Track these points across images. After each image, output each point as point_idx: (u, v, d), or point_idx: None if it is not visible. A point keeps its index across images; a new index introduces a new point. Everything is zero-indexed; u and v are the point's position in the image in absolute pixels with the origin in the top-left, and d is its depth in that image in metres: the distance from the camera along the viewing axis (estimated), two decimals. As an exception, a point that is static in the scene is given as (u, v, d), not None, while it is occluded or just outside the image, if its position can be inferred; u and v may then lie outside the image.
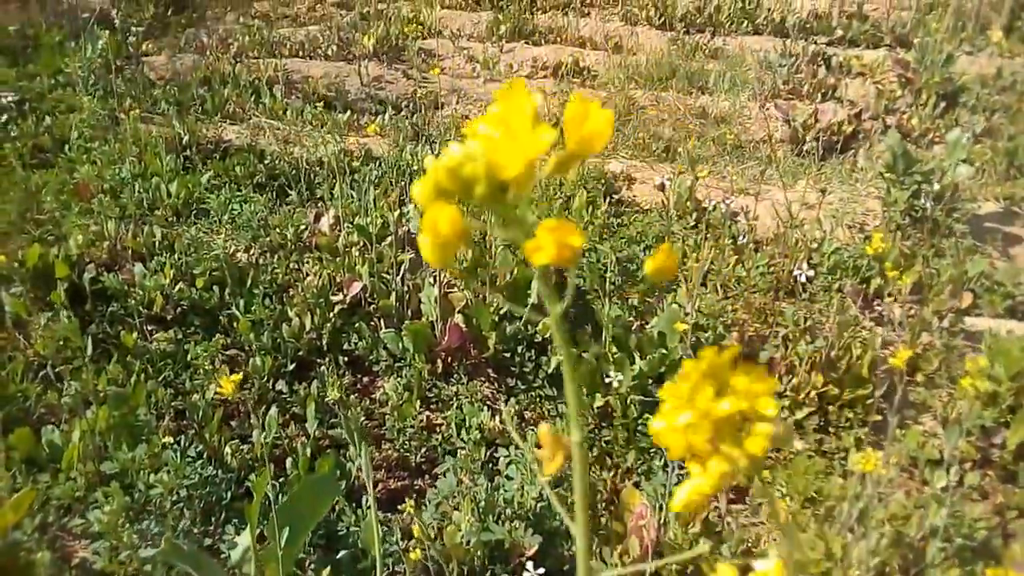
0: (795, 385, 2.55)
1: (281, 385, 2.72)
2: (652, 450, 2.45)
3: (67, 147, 4.01)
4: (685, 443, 0.45)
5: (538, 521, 1.98)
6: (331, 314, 2.85)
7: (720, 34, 6.03)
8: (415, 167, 3.69)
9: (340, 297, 2.88)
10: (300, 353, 2.83)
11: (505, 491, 2.01)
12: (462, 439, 2.44)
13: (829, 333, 2.56)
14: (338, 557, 1.77)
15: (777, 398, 2.54)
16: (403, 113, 4.72)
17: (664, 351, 2.53)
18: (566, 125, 0.48)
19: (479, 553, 1.88)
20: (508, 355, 2.72)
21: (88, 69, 4.70)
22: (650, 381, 2.55)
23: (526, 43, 5.86)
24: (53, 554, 1.83)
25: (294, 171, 3.79)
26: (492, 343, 2.69)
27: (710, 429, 0.44)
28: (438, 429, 2.62)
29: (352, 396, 2.72)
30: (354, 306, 2.92)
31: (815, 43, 5.72)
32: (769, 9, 6.21)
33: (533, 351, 2.71)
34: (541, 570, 1.60)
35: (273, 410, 2.54)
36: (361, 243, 3.02)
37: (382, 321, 2.84)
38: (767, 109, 4.50)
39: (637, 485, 2.27)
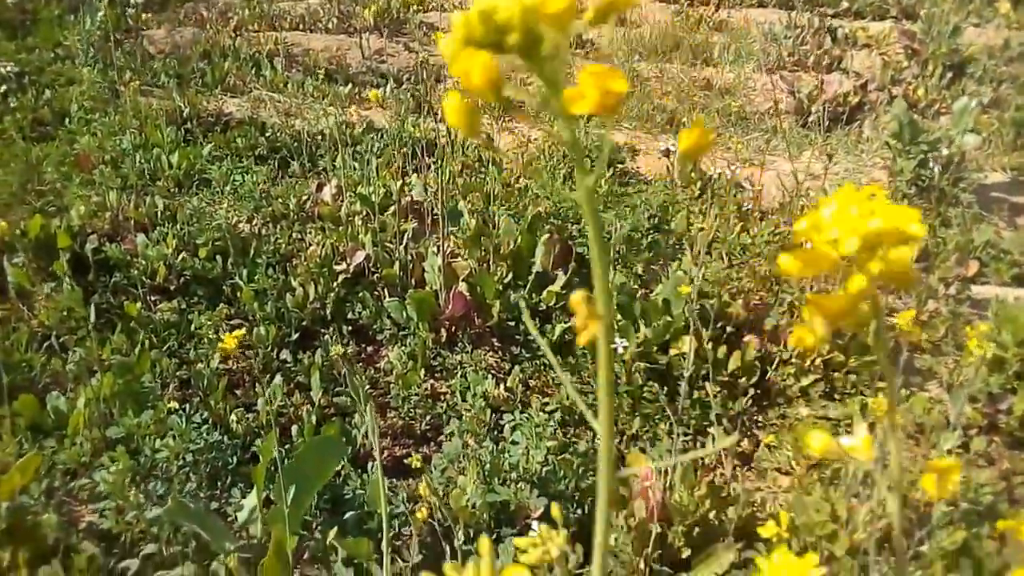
0: (801, 352, 2.54)
1: (285, 354, 2.71)
2: (656, 416, 2.44)
3: (67, 120, 3.98)
4: (833, 257, 0.46)
5: (544, 484, 1.98)
6: (335, 283, 2.84)
7: (724, 6, 5.97)
8: (418, 138, 3.67)
9: (343, 266, 2.87)
10: (304, 323, 2.82)
11: (510, 455, 2.01)
12: (467, 406, 2.44)
13: (835, 300, 2.55)
14: (344, 519, 1.77)
15: (782, 365, 2.52)
16: (405, 86, 4.69)
17: (669, 318, 2.52)
18: None
19: (485, 515, 1.88)
20: (512, 323, 2.71)
21: (87, 42, 4.66)
22: (655, 348, 2.54)
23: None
24: (60, 518, 1.84)
25: (296, 143, 3.77)
26: (496, 311, 2.68)
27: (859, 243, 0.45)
28: (443, 397, 2.61)
29: (357, 365, 2.71)
30: (358, 275, 2.90)
31: (820, 15, 5.66)
32: (774, -19, 6.14)
33: (537, 319, 2.70)
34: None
35: (278, 378, 2.54)
36: (364, 212, 3.00)
37: (386, 290, 2.83)
38: (774, 79, 4.46)
39: (643, 451, 2.27)
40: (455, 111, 0.43)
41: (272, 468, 1.75)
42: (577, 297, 0.48)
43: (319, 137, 3.86)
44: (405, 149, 3.26)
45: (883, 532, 1.95)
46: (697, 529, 1.90)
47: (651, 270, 2.80)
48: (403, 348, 2.69)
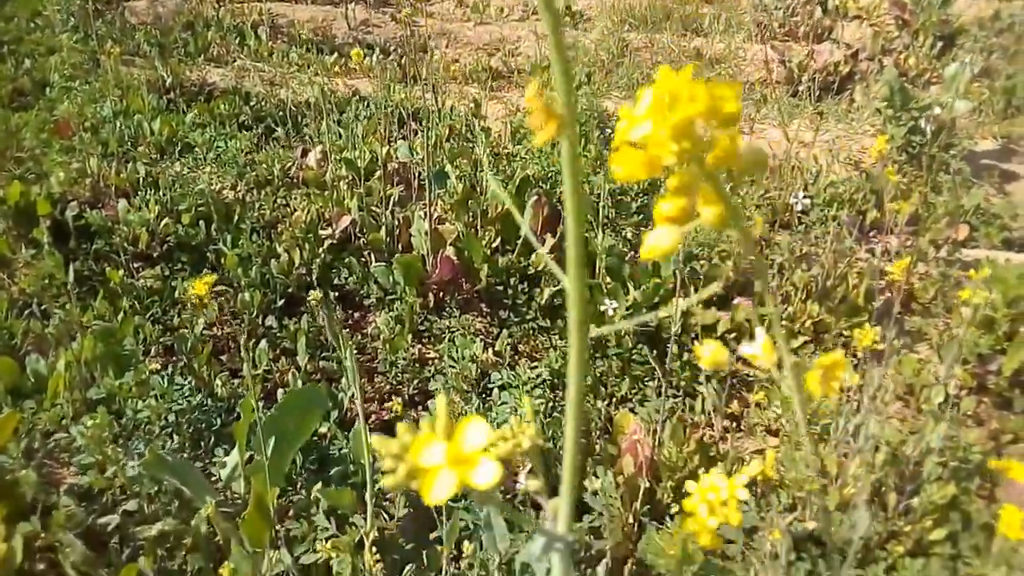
0: (790, 314, 2.53)
1: (271, 321, 2.68)
2: (645, 379, 2.43)
3: (47, 89, 3.91)
4: (643, 160, 0.42)
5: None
6: (320, 249, 2.80)
7: (715, -22, 5.91)
8: (404, 106, 3.62)
9: (329, 232, 2.83)
10: (289, 289, 2.78)
11: (497, 414, 1.99)
12: (455, 370, 2.41)
13: (825, 261, 2.53)
14: (329, 474, 1.74)
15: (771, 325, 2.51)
16: (391, 57, 4.63)
17: (658, 280, 2.50)
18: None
19: (472, 473, 1.86)
20: (501, 288, 2.68)
21: (67, 12, 4.57)
22: (644, 311, 2.52)
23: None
24: (39, 477, 1.80)
25: (280, 112, 3.72)
26: (484, 275, 2.65)
27: (671, 136, 0.41)
28: (430, 362, 2.59)
29: (344, 331, 2.68)
30: (344, 241, 2.87)
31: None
32: (765, -48, 6.08)
33: (526, 283, 2.67)
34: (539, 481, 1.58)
35: (263, 344, 2.51)
36: (350, 177, 2.96)
37: (372, 255, 2.79)
38: (765, 49, 4.43)
39: (631, 411, 2.25)
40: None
41: (254, 425, 1.72)
42: (532, 91, 0.44)
43: (304, 106, 3.80)
44: (391, 117, 3.21)
45: (873, 487, 1.95)
46: (686, 485, 1.88)
47: (640, 234, 2.77)
48: (390, 313, 2.66)
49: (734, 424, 2.31)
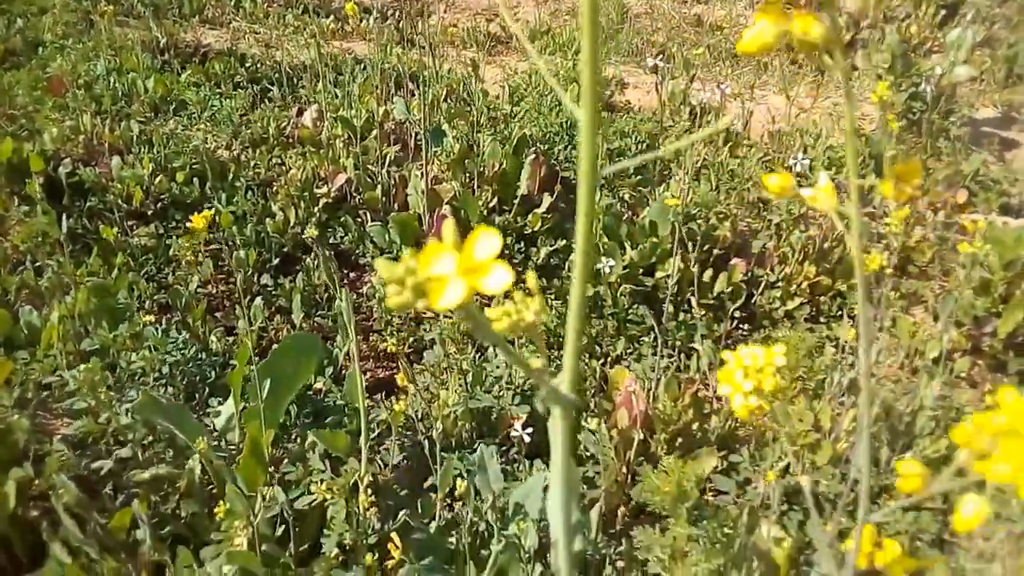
0: (787, 275, 2.52)
1: (266, 279, 2.67)
2: (641, 338, 2.42)
3: (40, 49, 3.86)
4: None
5: (527, 396, 1.96)
6: (316, 208, 2.78)
7: (716, -54, 5.84)
8: (402, 69, 3.58)
9: (325, 190, 2.81)
10: (285, 248, 2.77)
11: (494, 368, 1.99)
12: (451, 328, 2.41)
13: (823, 223, 2.52)
14: (325, 422, 1.74)
15: (769, 288, 2.50)
16: (389, 21, 4.57)
17: (655, 239, 2.49)
18: None
19: (467, 425, 1.86)
20: (497, 247, 2.66)
21: (60, -29, 4.50)
22: (641, 271, 2.51)
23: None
24: (33, 428, 1.80)
25: (276, 74, 3.68)
26: (480, 235, 2.64)
27: None
28: (426, 321, 2.58)
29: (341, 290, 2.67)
30: (339, 200, 2.85)
31: (814, -45, 5.56)
32: (767, -80, 6.02)
33: (523, 243, 2.66)
34: (529, 429, 1.58)
35: (258, 301, 2.50)
36: (345, 136, 2.93)
37: (368, 214, 2.78)
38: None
39: (627, 368, 2.25)
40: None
41: (249, 375, 1.71)
42: None
43: (300, 69, 3.76)
44: (387, 77, 3.17)
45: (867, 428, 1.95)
46: (680, 438, 1.88)
47: (639, 195, 2.75)
48: (386, 272, 2.65)
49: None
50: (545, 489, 1.35)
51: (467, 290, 0.38)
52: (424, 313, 2.65)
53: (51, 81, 3.30)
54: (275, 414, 1.54)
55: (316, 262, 2.73)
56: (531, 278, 0.51)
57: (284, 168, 2.96)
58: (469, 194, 2.66)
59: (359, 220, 2.78)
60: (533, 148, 2.74)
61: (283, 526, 1.50)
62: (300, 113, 3.15)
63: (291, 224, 2.76)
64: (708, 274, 2.49)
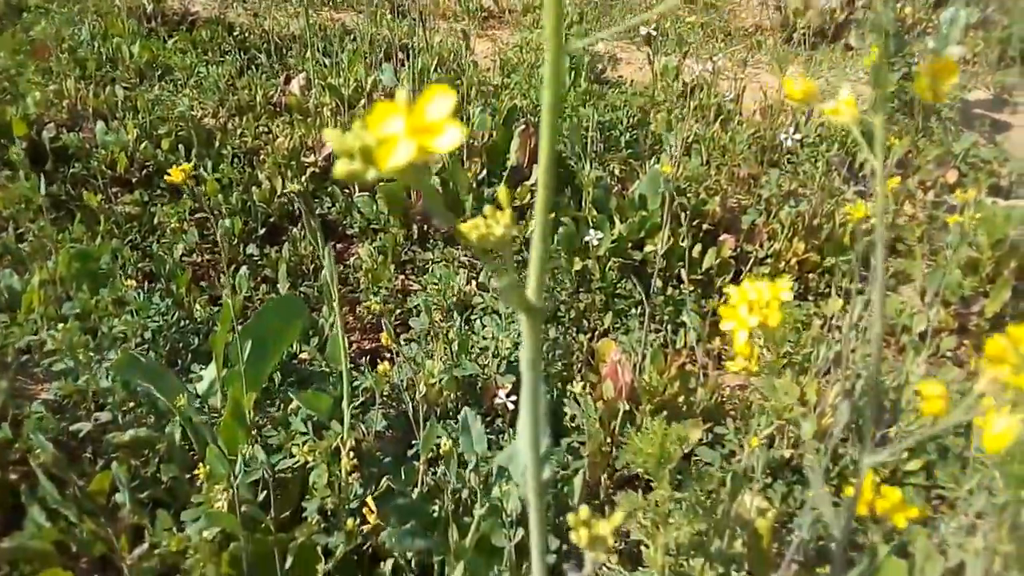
0: (776, 251, 2.51)
1: (252, 249, 2.64)
2: (629, 312, 2.41)
3: (23, 13, 3.79)
4: None
5: (513, 366, 1.95)
6: (303, 177, 2.75)
7: (712, -76, 5.79)
8: (392, 40, 3.54)
9: (312, 160, 2.78)
10: (271, 218, 2.74)
11: (479, 337, 1.97)
12: (437, 300, 2.39)
13: (813, 198, 2.52)
14: (308, 389, 1.72)
15: (757, 264, 2.48)
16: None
17: (644, 213, 2.48)
18: None
19: (452, 395, 1.85)
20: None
21: (44, -65, 4.41)
22: (629, 245, 2.50)
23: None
24: (12, 392, 1.78)
25: (264, 43, 3.62)
26: (469, 207, 2.62)
27: None
28: (413, 293, 2.57)
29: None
30: (327, 169, 2.81)
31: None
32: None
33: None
34: (514, 397, 1.57)
35: (244, 270, 2.47)
36: (333, 104, 2.89)
37: (355, 185, 2.75)
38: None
39: (615, 340, 2.24)
40: None
41: (232, 341, 1.69)
42: None
43: (289, 39, 3.71)
44: (377, 48, 3.13)
45: (850, 417, 1.95)
46: (665, 411, 1.88)
47: (629, 168, 2.74)
48: (373, 244, 2.63)
49: (716, 358, 2.30)
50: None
51: (417, 150, 0.36)
52: (410, 284, 2.64)
53: (35, 45, 3.24)
54: (257, 377, 1.52)
55: (303, 232, 2.71)
56: (502, 192, 0.49)
57: (271, 136, 2.92)
58: (458, 165, 2.64)
59: (346, 191, 2.75)
60: (523, 119, 2.71)
61: (264, 491, 1.49)
62: (288, 81, 3.11)
63: (277, 193, 2.73)
64: (697, 249, 2.48)
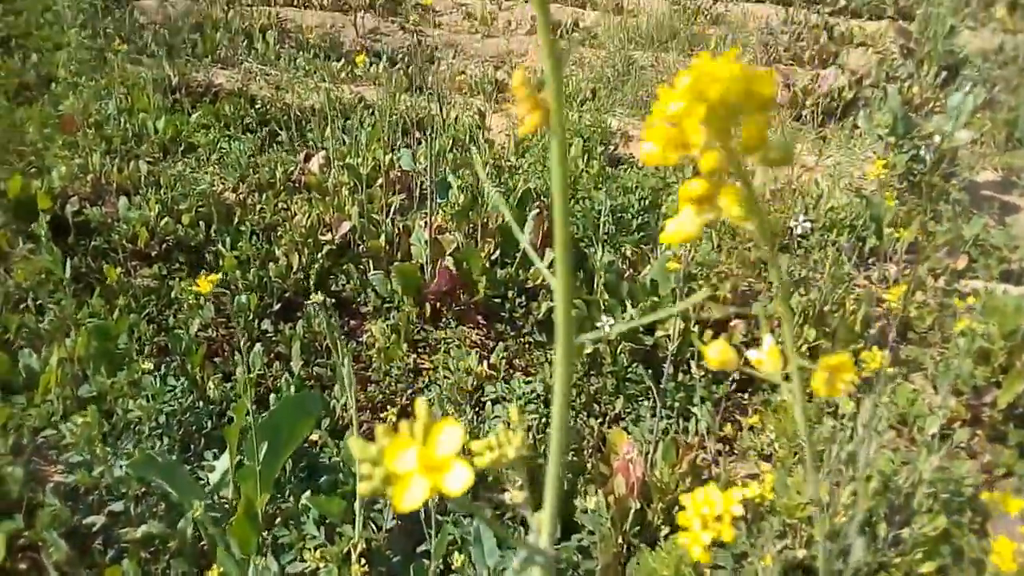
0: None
1: (266, 324, 2.67)
2: (640, 398, 2.42)
3: (53, 84, 3.91)
4: (674, 136, 0.42)
5: (522, 459, 1.94)
6: (319, 254, 2.79)
7: (723, 0, 5.95)
8: (409, 115, 3.62)
9: (329, 237, 2.82)
10: (287, 293, 2.78)
11: (490, 428, 1.98)
12: (449, 381, 2.40)
13: (823, 286, 2.53)
14: (319, 482, 1.73)
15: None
16: (398, 66, 4.64)
17: (656, 299, 2.50)
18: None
19: (463, 487, 1.85)
20: (498, 300, 2.67)
21: (76, 8, 4.58)
22: (640, 329, 2.52)
23: (525, 1, 5.77)
24: (26, 473, 1.79)
25: (285, 117, 3.72)
26: (482, 287, 2.65)
27: (703, 113, 0.41)
28: (425, 373, 2.58)
29: (341, 338, 2.67)
30: (343, 247, 2.86)
31: (818, 12, 5.65)
32: (773, -24, 6.12)
33: (524, 297, 2.67)
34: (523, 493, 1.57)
35: (258, 347, 2.50)
36: (351, 183, 2.95)
37: (371, 263, 2.79)
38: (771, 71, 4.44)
39: (625, 430, 2.24)
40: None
41: (246, 430, 1.71)
42: (518, 78, 0.44)
43: (309, 111, 3.81)
44: (395, 124, 3.21)
45: (864, 517, 1.94)
46: (677, 508, 1.87)
47: (640, 252, 2.77)
48: (386, 322, 2.65)
49: (727, 447, 2.30)
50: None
51: (428, 490, 0.39)
52: (422, 363, 2.65)
53: (63, 119, 3.34)
54: (270, 474, 1.53)
55: (317, 309, 2.74)
56: (513, 412, 0.51)
57: (289, 214, 2.98)
58: (472, 246, 2.68)
59: (361, 268, 2.79)
60: (537, 203, 2.76)
61: (274, 590, 1.49)
62: (308, 159, 3.18)
63: (294, 269, 2.77)
64: (708, 335, 2.49)
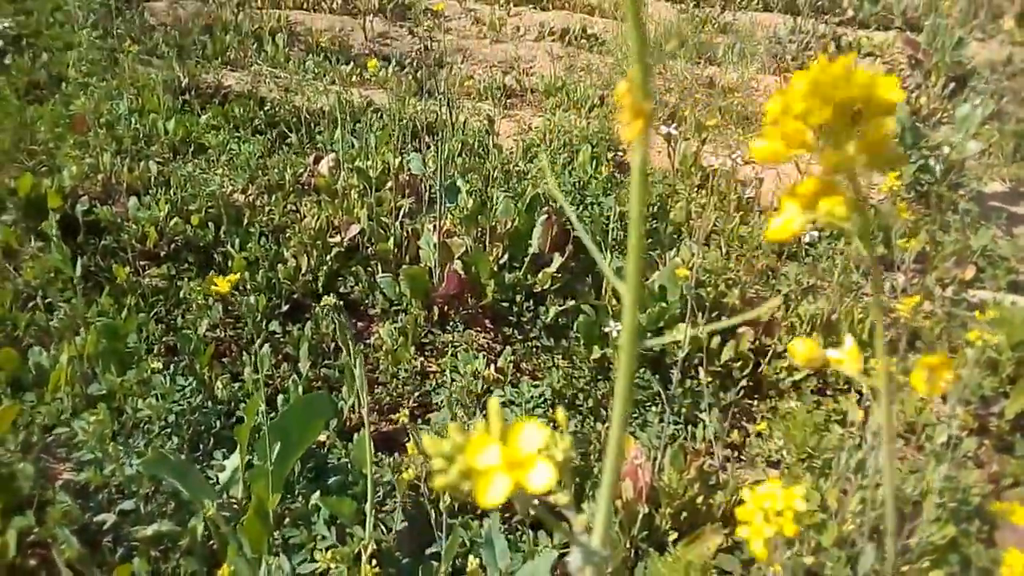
0: (795, 346, 2.52)
1: (274, 326, 2.67)
2: (647, 403, 2.42)
3: (64, 84, 3.93)
4: (790, 135, 0.43)
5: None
6: (328, 256, 2.80)
7: (730, 9, 5.97)
8: (418, 119, 3.63)
9: (337, 240, 2.83)
10: (295, 295, 2.78)
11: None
12: (457, 384, 2.41)
13: (831, 295, 2.54)
14: (328, 483, 1.73)
15: (776, 357, 2.49)
16: (407, 70, 4.65)
17: (664, 304, 2.50)
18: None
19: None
20: (506, 304, 2.68)
21: (87, 8, 4.60)
22: (649, 335, 2.52)
23: (533, 8, 5.79)
24: (36, 471, 1.79)
25: (294, 119, 3.73)
26: (490, 291, 2.65)
27: (828, 114, 0.43)
28: (432, 375, 2.58)
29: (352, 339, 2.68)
30: (351, 250, 2.87)
31: (826, 23, 5.67)
32: (781, -14, 6.15)
33: (532, 301, 2.67)
34: (535, 500, 1.57)
35: (265, 348, 2.50)
36: (361, 186, 2.96)
37: (379, 266, 2.80)
38: (778, 81, 4.46)
39: (632, 435, 2.24)
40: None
41: (256, 429, 1.71)
42: (623, 87, 0.44)
43: (318, 114, 3.82)
44: (404, 128, 3.22)
45: (871, 525, 1.93)
46: (684, 513, 1.87)
47: (648, 258, 2.77)
48: (394, 324, 2.66)
49: (735, 454, 2.30)
50: (552, 570, 1.34)
51: (511, 486, 0.39)
52: (429, 366, 2.65)
53: (74, 118, 3.35)
54: (281, 473, 1.54)
55: (325, 310, 2.75)
56: (560, 414, 0.52)
57: (298, 215, 2.99)
58: (480, 250, 2.68)
59: (370, 271, 2.80)
60: (546, 207, 2.77)
61: (283, 590, 1.49)
62: (317, 161, 3.19)
63: (302, 271, 2.78)
64: (715, 341, 2.50)
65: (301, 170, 3.19)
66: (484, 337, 2.71)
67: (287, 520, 1.66)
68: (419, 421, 2.45)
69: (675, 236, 2.86)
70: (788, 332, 2.55)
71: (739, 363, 2.46)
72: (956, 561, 1.87)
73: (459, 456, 0.41)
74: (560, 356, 2.55)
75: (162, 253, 2.90)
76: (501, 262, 2.72)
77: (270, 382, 2.47)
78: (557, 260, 2.66)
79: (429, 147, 3.14)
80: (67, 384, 2.08)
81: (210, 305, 2.69)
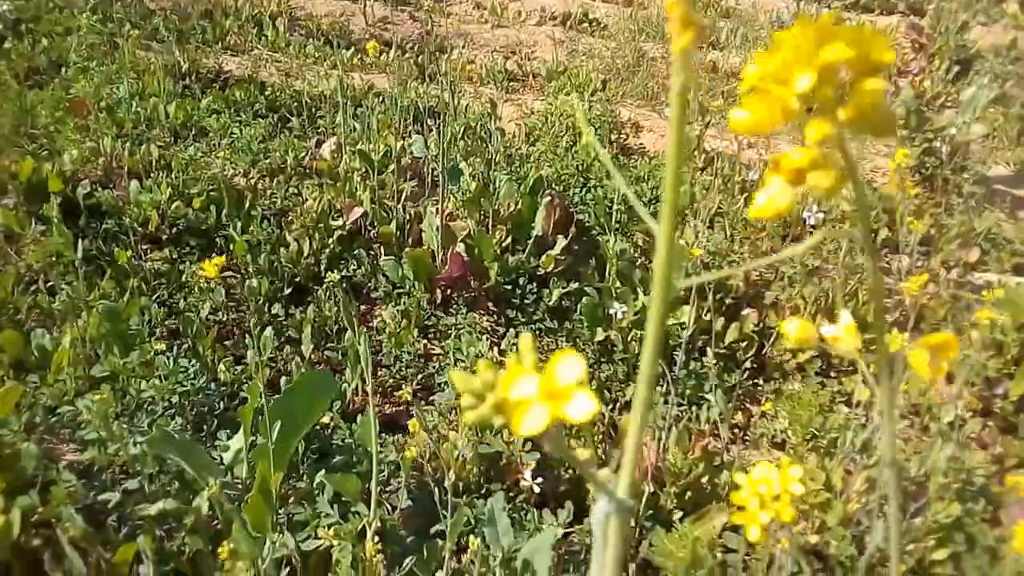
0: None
1: (277, 309, 2.67)
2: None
3: (64, 68, 3.90)
4: (772, 103, 0.40)
5: (536, 445, 1.95)
6: (330, 239, 2.79)
7: (733, -7, 5.93)
8: (420, 103, 3.62)
9: (340, 223, 2.82)
10: (297, 278, 2.77)
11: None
12: (460, 367, 2.40)
13: (836, 276, 2.53)
14: (332, 463, 1.73)
15: (780, 339, 2.49)
16: (408, 55, 4.62)
17: (668, 287, 2.49)
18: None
19: (475, 470, 1.85)
20: (509, 287, 2.67)
21: (86, -7, 4.57)
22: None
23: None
24: (40, 453, 1.79)
25: (295, 103, 3.71)
26: (494, 274, 2.64)
27: (814, 78, 0.39)
28: (435, 358, 2.58)
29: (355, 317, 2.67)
30: (354, 233, 2.86)
31: (829, 7, 5.64)
32: (784, -30, 6.10)
33: (535, 284, 2.66)
34: (539, 479, 1.57)
35: (268, 331, 2.49)
36: (363, 169, 2.95)
37: (382, 248, 2.79)
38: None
39: (636, 416, 2.23)
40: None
41: (260, 411, 1.71)
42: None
43: (319, 99, 3.80)
44: (406, 112, 3.20)
45: (876, 504, 1.93)
46: (689, 492, 1.87)
47: (652, 239, 2.76)
48: (397, 307, 2.65)
49: (740, 434, 2.30)
50: (553, 547, 1.33)
51: (549, 416, 0.38)
52: (432, 348, 2.65)
53: (74, 102, 3.33)
54: (284, 452, 1.53)
55: (328, 293, 2.74)
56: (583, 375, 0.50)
57: (300, 199, 2.97)
58: (483, 232, 2.67)
59: (372, 254, 2.79)
60: (548, 190, 2.76)
61: (288, 567, 1.49)
62: (319, 144, 3.18)
63: (305, 255, 2.77)
64: (720, 322, 2.49)
65: (303, 153, 3.17)
66: (487, 320, 2.71)
67: (291, 499, 1.66)
68: (422, 403, 2.44)
69: (680, 218, 2.85)
70: (793, 313, 2.54)
71: (744, 344, 2.45)
72: (961, 540, 1.87)
73: (490, 393, 0.40)
74: (564, 338, 2.55)
75: (164, 236, 2.89)
76: (504, 245, 2.71)
77: (273, 364, 2.46)
78: (560, 243, 2.65)
79: (431, 130, 3.12)
80: (70, 365, 2.08)
81: (212, 288, 2.68)
